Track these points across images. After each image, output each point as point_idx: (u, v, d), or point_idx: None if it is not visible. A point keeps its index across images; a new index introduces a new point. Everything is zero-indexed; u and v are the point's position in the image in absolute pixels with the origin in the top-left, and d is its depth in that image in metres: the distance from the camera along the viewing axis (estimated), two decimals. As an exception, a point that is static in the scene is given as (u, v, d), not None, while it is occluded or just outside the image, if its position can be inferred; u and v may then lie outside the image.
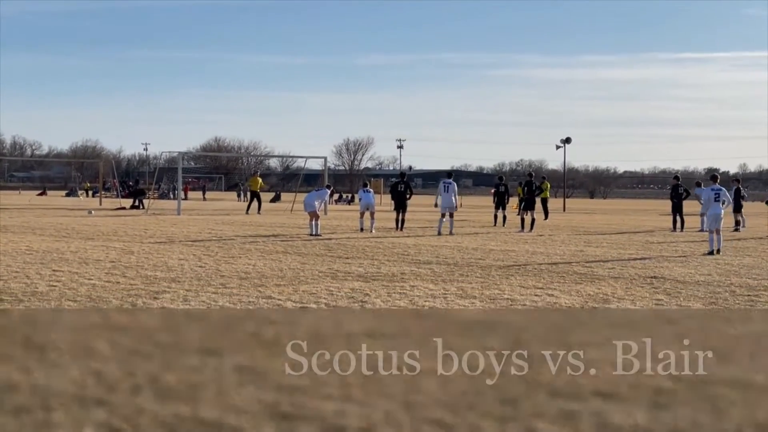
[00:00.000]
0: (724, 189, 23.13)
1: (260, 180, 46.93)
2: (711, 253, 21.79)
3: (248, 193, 45.14)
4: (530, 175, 34.65)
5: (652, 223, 40.87)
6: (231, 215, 41.62)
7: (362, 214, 30.97)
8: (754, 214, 44.58)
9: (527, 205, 32.08)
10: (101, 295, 12.77)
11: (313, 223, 27.13)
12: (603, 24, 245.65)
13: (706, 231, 28.21)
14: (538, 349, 9.10)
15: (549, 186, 45.60)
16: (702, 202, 28.76)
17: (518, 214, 33.04)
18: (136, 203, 50.34)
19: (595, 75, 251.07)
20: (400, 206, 31.50)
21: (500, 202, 35.25)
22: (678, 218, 34.12)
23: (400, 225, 31.01)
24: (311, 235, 26.53)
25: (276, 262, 18.09)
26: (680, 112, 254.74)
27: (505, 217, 34.81)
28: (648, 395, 7.27)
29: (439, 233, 28.99)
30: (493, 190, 36.76)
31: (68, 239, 23.66)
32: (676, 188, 35.89)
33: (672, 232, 32.64)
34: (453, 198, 30.13)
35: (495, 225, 34.39)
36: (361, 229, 30.17)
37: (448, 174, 32.21)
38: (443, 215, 30.01)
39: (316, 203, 27.99)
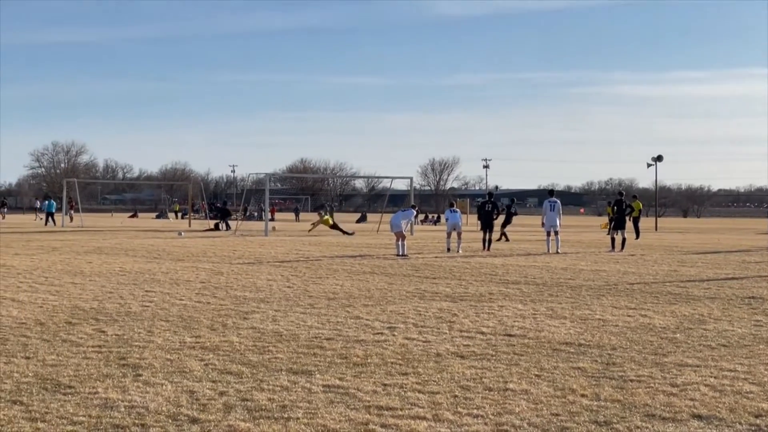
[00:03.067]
0: None
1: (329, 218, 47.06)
2: None
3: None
4: (620, 194, 33.85)
5: (749, 242, 39.96)
6: (319, 236, 41.87)
7: (449, 235, 30.83)
8: None
9: (618, 224, 31.46)
10: (192, 315, 12.91)
11: (400, 243, 27.12)
12: (693, 39, 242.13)
13: None
14: (632, 371, 8.92)
15: (641, 205, 44.76)
16: None
17: (608, 234, 32.51)
18: (221, 224, 50.77)
19: (686, 91, 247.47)
20: (487, 226, 31.34)
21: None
22: None
23: (487, 245, 30.84)
24: (398, 255, 26.51)
25: (363, 283, 18.10)
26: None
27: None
28: (748, 418, 7.06)
29: (548, 251, 29.31)
30: (477, 208, 35.75)
31: (159, 260, 24.04)
32: None
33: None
34: (557, 217, 30.35)
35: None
36: (448, 249, 30.05)
37: (551, 192, 32.24)
38: (548, 234, 30.34)
39: (403, 223, 28.02)
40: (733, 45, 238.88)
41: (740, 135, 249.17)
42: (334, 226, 44.01)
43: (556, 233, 30.06)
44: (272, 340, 10.61)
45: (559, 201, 30.85)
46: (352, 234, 42.95)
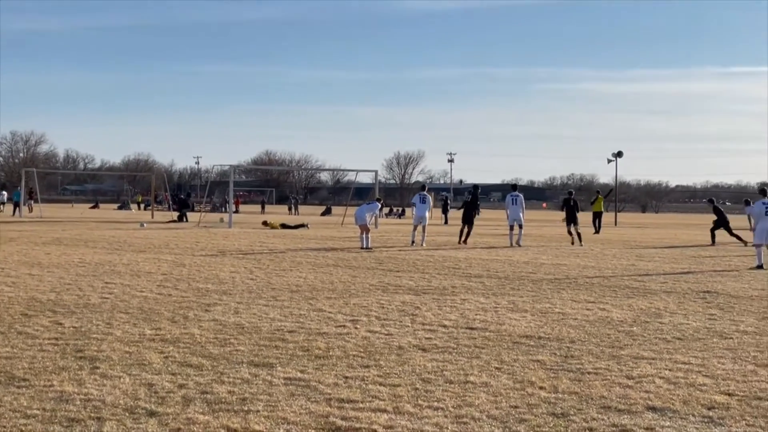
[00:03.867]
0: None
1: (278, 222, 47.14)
2: (759, 267, 21.58)
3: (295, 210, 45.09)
4: (569, 193, 33.85)
5: (705, 237, 40.35)
6: (283, 229, 41.78)
7: (415, 228, 30.84)
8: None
9: (570, 219, 31.79)
10: (153, 307, 12.87)
11: (364, 236, 27.16)
12: (655, 38, 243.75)
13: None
14: (590, 363, 9.03)
15: (602, 200, 44.91)
16: (754, 218, 29.06)
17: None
18: (181, 217, 50.55)
19: (647, 89, 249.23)
20: (469, 221, 31.43)
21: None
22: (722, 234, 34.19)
23: (464, 238, 30.95)
24: (362, 248, 26.56)
25: (327, 275, 18.13)
26: (732, 125, 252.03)
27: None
28: (701, 410, 7.18)
29: (511, 245, 29.67)
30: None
31: (120, 252, 23.91)
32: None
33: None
34: (520, 211, 30.56)
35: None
36: (412, 242, 30.11)
37: (514, 187, 32.35)
38: (512, 227, 30.60)
39: (367, 216, 28.20)
40: (691, 44, 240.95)
41: (698, 132, 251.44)
42: (284, 226, 43.93)
43: (520, 227, 30.26)
44: (234, 333, 10.61)
45: (521, 195, 31.01)
46: (305, 226, 42.95)
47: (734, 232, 33.90)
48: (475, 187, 33.99)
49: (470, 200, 32.26)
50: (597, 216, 43.25)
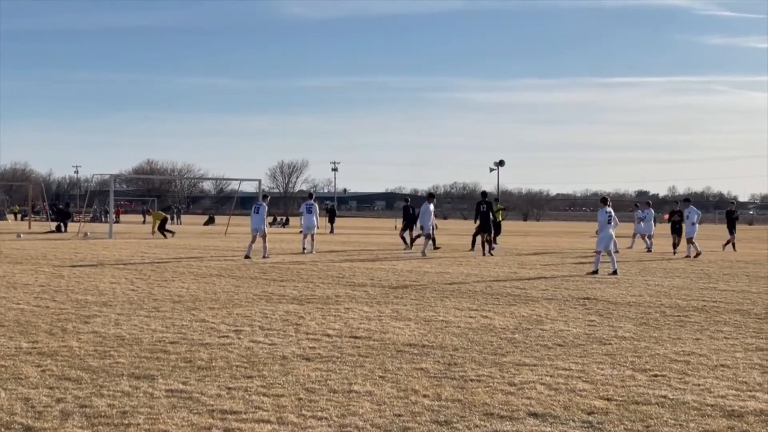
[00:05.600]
0: (614, 213, 23.68)
1: (161, 214, 46.68)
2: (594, 272, 22.53)
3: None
4: (483, 194, 33.60)
5: (584, 245, 41.30)
6: (164, 239, 41.17)
7: (305, 236, 31.08)
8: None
9: (482, 228, 31.89)
10: (30, 319, 12.53)
11: (262, 244, 27.52)
12: (537, 49, 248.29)
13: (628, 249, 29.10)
14: (472, 371, 9.13)
15: (502, 208, 42.74)
16: (638, 221, 31.04)
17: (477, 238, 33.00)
18: (60, 227, 49.38)
19: (530, 98, 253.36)
20: (485, 228, 31.36)
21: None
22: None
23: (487, 248, 30.85)
24: (264, 257, 26.82)
25: (210, 285, 17.93)
26: (612, 135, 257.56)
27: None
28: (581, 415, 7.33)
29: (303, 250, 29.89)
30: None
31: (-4, 263, 23.20)
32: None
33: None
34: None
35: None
36: (303, 249, 30.24)
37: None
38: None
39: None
40: (573, 55, 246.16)
41: (579, 141, 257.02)
42: (161, 226, 43.40)
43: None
44: (114, 345, 10.41)
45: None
46: (172, 234, 42.84)
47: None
48: (484, 193, 33.46)
49: (485, 210, 31.75)
50: (496, 226, 41.70)
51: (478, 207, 31.84)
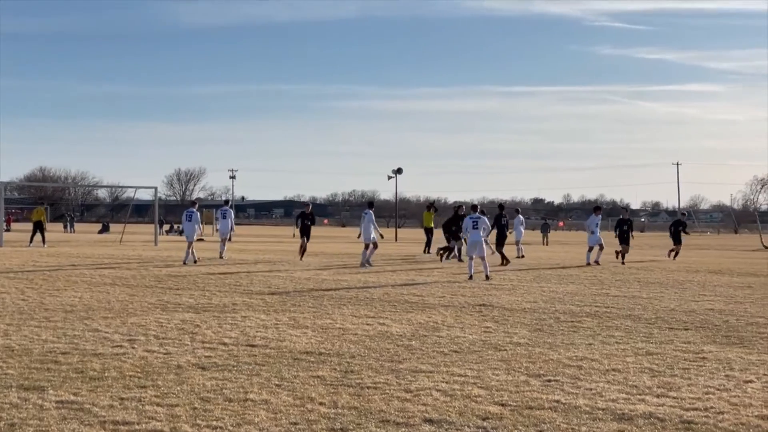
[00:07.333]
0: (483, 217, 24.14)
1: (44, 211, 45.76)
2: (470, 278, 22.95)
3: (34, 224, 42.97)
4: (457, 208, 33.26)
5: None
6: (57, 247, 40.29)
7: (223, 242, 31.34)
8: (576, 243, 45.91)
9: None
10: None
11: (191, 250, 28.22)
12: (435, 57, 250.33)
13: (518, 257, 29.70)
14: (369, 378, 9.15)
15: (432, 214, 41.71)
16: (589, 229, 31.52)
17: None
18: None
19: (428, 106, 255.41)
20: (306, 233, 31.63)
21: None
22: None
23: (503, 260, 30.36)
24: (194, 262, 27.77)
25: (104, 294, 17.61)
26: (509, 143, 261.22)
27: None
28: (476, 421, 7.40)
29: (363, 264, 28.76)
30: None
31: None
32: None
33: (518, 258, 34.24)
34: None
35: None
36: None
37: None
38: (367, 246, 29.86)
39: (194, 230, 29.95)
40: (473, 64, 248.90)
41: (475, 149, 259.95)
42: (39, 226, 42.08)
43: (374, 246, 29.60)
44: (2, 356, 10.14)
45: (371, 212, 30.57)
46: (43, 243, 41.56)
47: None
48: (501, 206, 33.16)
49: (500, 221, 31.64)
50: (428, 232, 40.17)
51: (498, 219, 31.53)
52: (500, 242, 31.36)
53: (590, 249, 31.93)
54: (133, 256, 31.52)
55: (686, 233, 38.54)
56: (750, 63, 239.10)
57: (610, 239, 35.58)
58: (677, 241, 37.58)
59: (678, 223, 38.60)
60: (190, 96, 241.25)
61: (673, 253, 37.49)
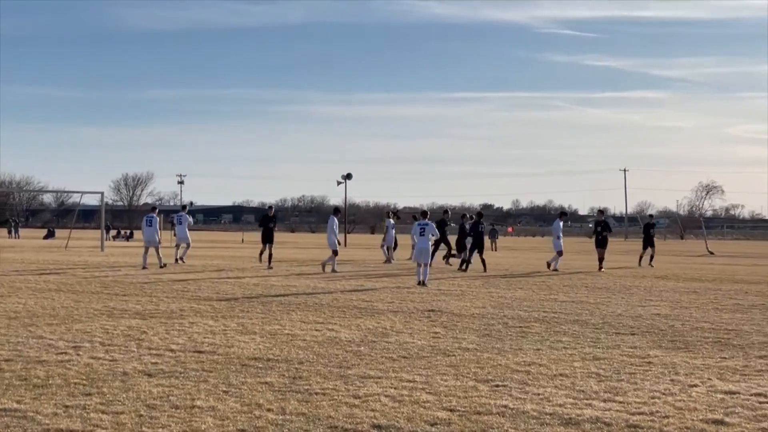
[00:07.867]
0: (431, 224, 24.22)
1: None
2: (420, 283, 22.98)
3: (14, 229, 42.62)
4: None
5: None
6: (0, 253, 39.73)
7: (146, 250, 30.28)
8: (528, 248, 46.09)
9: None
10: None
11: (151, 254, 28.19)
12: (381, 63, 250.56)
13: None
14: (317, 384, 9.12)
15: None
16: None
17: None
18: None
19: (375, 112, 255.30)
20: (478, 246, 31.11)
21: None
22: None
23: (482, 265, 30.51)
24: (160, 267, 28.15)
25: (48, 301, 17.38)
26: (457, 149, 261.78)
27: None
28: (424, 426, 7.40)
29: (324, 269, 28.87)
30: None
31: None
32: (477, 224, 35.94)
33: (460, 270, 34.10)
34: (155, 234, 30.66)
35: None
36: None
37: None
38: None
39: (155, 236, 29.76)
40: (416, 70, 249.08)
41: (424, 154, 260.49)
42: None
43: (335, 252, 29.58)
44: (-57, 364, 9.95)
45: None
46: None
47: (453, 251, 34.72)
48: (479, 214, 33.04)
49: (477, 228, 31.59)
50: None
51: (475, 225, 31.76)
52: (480, 249, 31.44)
53: (560, 254, 32.01)
54: (79, 262, 31.17)
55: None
56: (694, 70, 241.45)
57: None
58: (650, 243, 36.59)
59: (650, 226, 37.85)
60: (137, 100, 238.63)
61: (648, 258, 36.52)
